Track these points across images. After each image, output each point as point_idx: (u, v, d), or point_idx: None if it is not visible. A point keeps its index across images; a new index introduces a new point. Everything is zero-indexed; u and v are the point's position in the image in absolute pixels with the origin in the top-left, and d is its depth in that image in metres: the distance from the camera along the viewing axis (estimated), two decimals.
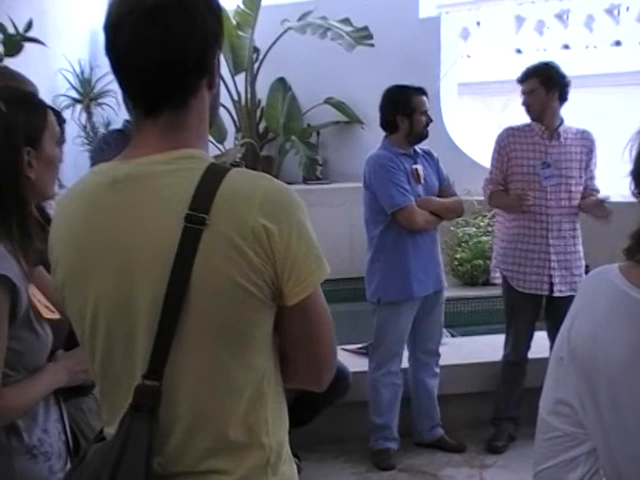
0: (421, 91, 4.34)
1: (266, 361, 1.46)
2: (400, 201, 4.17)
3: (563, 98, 4.35)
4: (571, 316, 1.23)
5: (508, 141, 4.41)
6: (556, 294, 4.32)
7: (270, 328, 1.45)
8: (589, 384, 1.15)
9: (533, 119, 4.38)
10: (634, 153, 1.17)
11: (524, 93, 4.35)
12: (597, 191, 4.42)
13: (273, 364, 1.48)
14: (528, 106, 4.35)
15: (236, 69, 8.64)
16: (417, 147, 4.37)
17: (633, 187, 1.18)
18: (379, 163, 4.27)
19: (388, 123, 4.34)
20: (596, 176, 4.44)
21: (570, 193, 4.33)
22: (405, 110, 4.26)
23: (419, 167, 4.28)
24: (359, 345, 5.03)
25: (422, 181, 4.29)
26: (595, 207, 4.28)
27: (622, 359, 1.12)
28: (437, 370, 4.52)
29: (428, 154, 4.44)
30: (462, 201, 4.43)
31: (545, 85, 4.28)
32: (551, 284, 4.34)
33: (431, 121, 4.31)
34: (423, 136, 4.31)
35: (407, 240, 4.24)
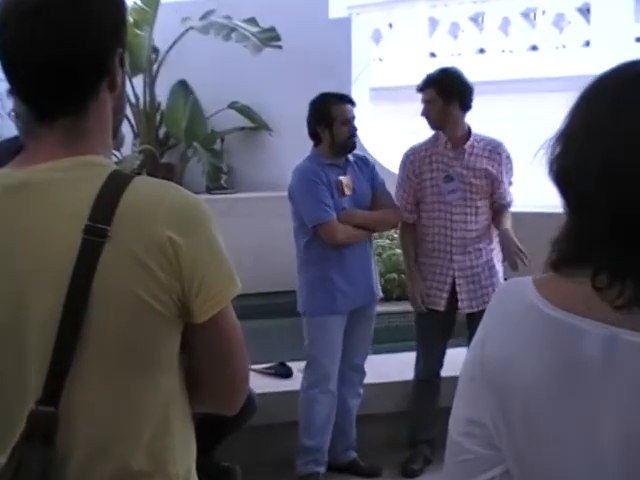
0: (344, 99, 4.37)
1: (172, 383, 1.45)
2: (319, 216, 4.21)
3: (466, 107, 4.40)
4: (482, 335, 1.22)
5: (414, 158, 4.48)
6: (465, 310, 4.42)
7: (176, 348, 1.45)
8: (503, 406, 1.16)
9: (433, 129, 4.46)
10: (552, 159, 1.19)
11: (423, 102, 4.41)
12: (506, 204, 4.48)
13: (180, 387, 1.48)
14: (427, 117, 4.42)
15: (134, 70, 8.53)
16: (350, 154, 4.40)
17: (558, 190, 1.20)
18: (301, 176, 4.30)
19: (312, 134, 4.37)
20: (508, 190, 4.47)
21: (476, 209, 4.40)
22: (324, 120, 4.28)
23: (344, 178, 4.31)
24: (266, 365, 5.03)
25: (348, 192, 4.32)
26: (509, 253, 4.33)
27: (537, 381, 1.13)
28: (360, 390, 4.56)
29: (363, 160, 4.47)
30: (397, 210, 4.46)
31: (443, 95, 4.33)
32: (453, 300, 4.43)
33: (356, 130, 4.33)
34: (348, 147, 4.33)
35: (331, 253, 4.27)
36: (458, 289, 4.40)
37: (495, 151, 4.44)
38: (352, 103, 4.39)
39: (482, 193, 4.40)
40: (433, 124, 4.42)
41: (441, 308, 4.44)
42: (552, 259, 1.18)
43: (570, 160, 1.15)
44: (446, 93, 4.32)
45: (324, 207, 4.22)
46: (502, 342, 1.18)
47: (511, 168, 4.49)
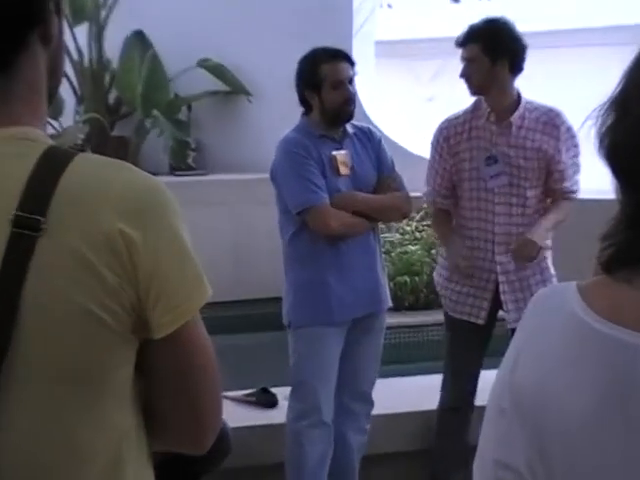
0: (338, 55, 4.35)
1: (126, 416, 1.45)
2: (306, 199, 4.19)
3: (517, 68, 4.40)
4: (513, 354, 1.22)
5: (449, 133, 4.46)
6: (512, 324, 4.40)
7: (130, 371, 1.44)
8: (540, 444, 1.16)
9: (474, 95, 4.46)
10: (602, 132, 1.19)
11: (463, 61, 4.41)
12: (565, 190, 4.47)
13: (135, 420, 1.48)
14: (468, 79, 4.42)
15: (75, 18, 8.52)
16: (349, 125, 4.39)
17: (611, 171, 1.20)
18: (285, 149, 4.29)
19: (301, 100, 4.38)
20: (569, 173, 4.42)
21: (525, 199, 4.39)
22: (311, 82, 4.28)
23: (340, 154, 4.30)
24: (245, 392, 5.03)
25: (345, 171, 4.31)
26: (521, 250, 4.34)
27: (582, 412, 1.12)
28: (367, 425, 4.53)
29: (366, 133, 4.46)
30: (409, 197, 4.45)
31: (490, 53, 4.33)
32: (495, 311, 4.43)
33: (352, 96, 4.32)
34: (341, 117, 4.30)
35: (324, 247, 4.26)
36: (503, 297, 4.40)
37: (551, 123, 4.40)
38: (349, 61, 4.37)
39: (533, 179, 4.37)
40: (475, 89, 4.41)
41: (481, 321, 4.43)
42: (602, 259, 1.17)
43: (625, 132, 1.15)
44: (494, 50, 4.32)
45: (313, 187, 4.20)
46: (536, 361, 1.18)
47: (575, 145, 4.40)
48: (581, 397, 1.12)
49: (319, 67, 4.27)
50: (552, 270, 4.48)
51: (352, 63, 4.38)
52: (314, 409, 4.31)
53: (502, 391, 1.21)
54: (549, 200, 4.47)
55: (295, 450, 4.37)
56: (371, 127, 4.60)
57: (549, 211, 4.44)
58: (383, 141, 4.52)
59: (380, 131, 4.89)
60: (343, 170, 4.30)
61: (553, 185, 4.43)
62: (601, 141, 1.17)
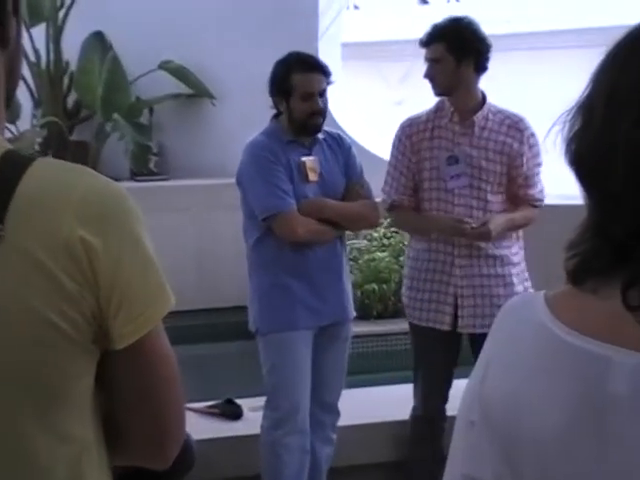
0: (311, 67, 4.33)
1: (85, 429, 1.44)
2: (273, 205, 4.20)
3: (481, 68, 4.42)
4: (482, 365, 1.22)
5: (411, 131, 4.47)
6: (466, 330, 4.42)
7: (90, 383, 1.43)
8: (509, 457, 1.15)
9: (439, 95, 4.47)
10: (569, 137, 1.19)
11: (427, 61, 4.42)
12: (539, 201, 4.48)
13: (95, 434, 1.47)
14: (432, 79, 4.43)
15: (33, 18, 8.47)
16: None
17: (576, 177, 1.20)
18: (252, 153, 4.29)
19: (273, 103, 4.38)
20: (535, 180, 4.45)
21: (486, 203, 4.40)
22: (281, 89, 4.29)
23: (309, 159, 4.31)
24: (210, 403, 5.02)
25: (314, 178, 4.31)
26: (477, 232, 4.34)
27: (554, 425, 1.12)
28: (333, 436, 4.55)
29: (336, 140, 4.47)
30: (377, 205, 4.46)
31: (455, 52, 4.35)
32: (456, 316, 4.44)
33: (320, 109, 4.29)
34: (308, 128, 4.31)
35: (289, 254, 4.27)
36: (459, 301, 4.40)
37: (515, 126, 4.43)
38: (324, 72, 4.35)
39: (495, 184, 4.39)
40: (440, 89, 4.43)
41: (445, 327, 4.44)
42: (568, 268, 1.18)
43: (590, 139, 1.15)
44: (459, 49, 4.34)
45: (280, 193, 4.21)
46: (506, 373, 1.18)
47: (538, 153, 4.44)
48: (553, 410, 1.12)
49: (290, 75, 4.27)
50: (519, 288, 4.45)
51: (327, 74, 4.35)
52: (291, 416, 4.31)
53: (471, 402, 1.22)
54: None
55: (272, 461, 4.35)
56: (341, 133, 4.61)
57: (511, 214, 4.44)
58: (353, 148, 4.53)
59: (349, 136, 4.89)
60: (312, 176, 4.31)
61: (517, 191, 4.45)
62: (567, 146, 1.18)
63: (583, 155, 1.16)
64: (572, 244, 1.17)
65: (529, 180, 4.45)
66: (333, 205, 4.34)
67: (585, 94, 1.17)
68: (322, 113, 4.32)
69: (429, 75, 4.41)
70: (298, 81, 4.26)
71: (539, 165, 4.46)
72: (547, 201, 4.57)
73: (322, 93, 4.32)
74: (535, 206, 4.50)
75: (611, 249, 1.13)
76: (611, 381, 1.09)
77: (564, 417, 1.12)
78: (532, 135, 4.44)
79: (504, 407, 1.16)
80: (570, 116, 1.18)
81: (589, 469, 1.11)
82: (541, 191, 4.49)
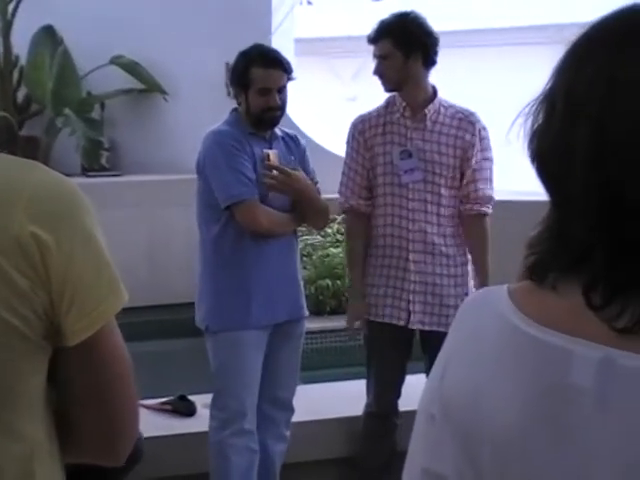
0: (272, 62, 4.30)
1: (36, 427, 1.44)
2: (238, 192, 4.18)
3: (430, 62, 4.43)
4: (443, 360, 1.22)
5: (363, 127, 4.47)
6: (416, 326, 4.44)
7: (42, 380, 1.43)
8: (469, 451, 1.16)
9: (389, 91, 4.48)
10: (531, 133, 1.19)
11: (376, 58, 4.43)
12: (487, 199, 4.50)
13: (47, 432, 1.46)
14: (382, 76, 4.44)
15: None
16: (277, 129, 4.39)
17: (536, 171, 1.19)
18: (217, 141, 4.26)
19: (233, 93, 4.38)
20: (491, 177, 4.47)
21: (439, 197, 4.41)
22: (240, 82, 4.29)
23: (273, 152, 4.30)
24: (162, 399, 5.01)
25: (275, 172, 4.31)
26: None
27: (513, 421, 1.12)
28: (287, 432, 4.54)
29: (292, 139, 4.48)
30: (327, 205, 4.45)
31: (403, 47, 4.36)
32: (409, 312, 4.45)
33: (277, 105, 4.29)
34: (263, 122, 4.29)
35: (249, 248, 4.25)
36: (411, 297, 4.41)
37: (467, 120, 4.45)
38: (284, 68, 4.32)
39: (448, 177, 4.40)
40: (390, 85, 4.44)
41: (401, 322, 4.45)
42: (529, 265, 1.18)
43: (550, 138, 1.16)
44: (406, 44, 4.35)
45: (245, 180, 4.19)
46: (467, 367, 1.19)
47: (489, 147, 4.48)
48: (514, 405, 1.12)
49: (250, 69, 4.26)
50: (470, 285, 4.50)
51: (288, 70, 4.34)
52: (237, 416, 4.30)
53: (432, 398, 1.21)
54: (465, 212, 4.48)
55: (220, 462, 4.34)
56: (297, 134, 4.61)
57: (477, 255, 4.49)
58: (308, 150, 4.54)
59: (303, 134, 4.90)
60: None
61: (468, 188, 4.44)
62: (529, 142, 1.18)
63: (544, 155, 1.16)
64: (532, 242, 1.18)
65: (479, 174, 4.46)
66: (307, 183, 4.33)
67: (547, 87, 1.17)
68: (280, 108, 4.31)
69: (378, 72, 4.43)
70: (257, 76, 4.25)
71: (489, 160, 4.47)
72: (507, 197, 4.58)
73: (281, 89, 4.31)
74: (485, 213, 4.50)
75: (570, 249, 1.13)
76: (574, 374, 1.09)
77: (525, 411, 1.12)
78: (483, 128, 4.46)
79: (465, 402, 1.16)
80: (534, 108, 1.18)
81: (549, 463, 1.11)
82: (491, 188, 4.49)
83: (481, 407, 1.15)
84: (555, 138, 1.15)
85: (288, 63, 4.38)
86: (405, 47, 4.34)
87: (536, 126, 1.17)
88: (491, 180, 4.49)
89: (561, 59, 1.17)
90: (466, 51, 9.95)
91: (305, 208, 4.36)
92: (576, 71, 1.14)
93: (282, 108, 4.33)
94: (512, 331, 1.14)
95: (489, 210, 4.50)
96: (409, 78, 4.40)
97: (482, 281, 4.45)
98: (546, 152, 1.16)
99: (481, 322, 1.20)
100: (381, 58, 4.40)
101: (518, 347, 1.14)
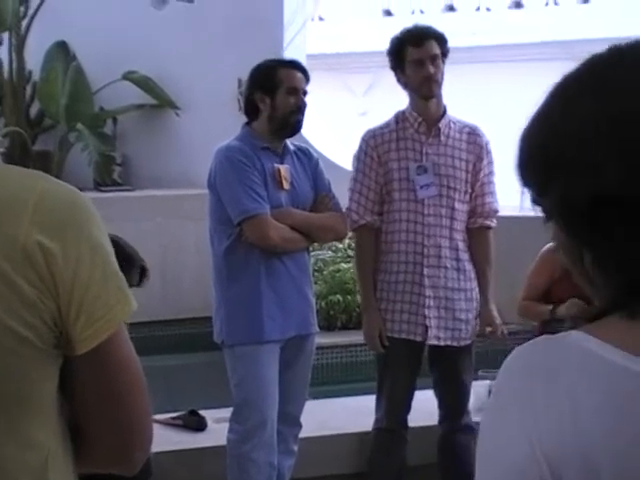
0: (293, 64, 4.45)
1: (50, 436, 1.44)
2: (249, 207, 4.20)
3: None
4: (515, 424, 1.08)
5: (376, 142, 4.44)
6: (431, 341, 4.43)
7: (54, 388, 1.44)
8: None
9: (430, 98, 4.37)
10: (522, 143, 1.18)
11: (427, 59, 4.32)
12: (493, 212, 4.52)
13: (61, 439, 1.47)
14: (429, 78, 4.32)
15: None
16: (289, 142, 4.41)
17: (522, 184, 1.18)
18: (228, 157, 4.28)
19: (248, 104, 4.39)
20: (493, 192, 4.50)
21: (453, 211, 4.41)
22: (267, 85, 4.30)
23: (284, 167, 4.32)
24: (173, 414, 5.01)
25: (287, 186, 4.32)
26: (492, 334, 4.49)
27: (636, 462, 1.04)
28: (295, 447, 4.53)
29: (305, 153, 4.49)
30: (345, 218, 4.46)
31: (444, 51, 4.36)
32: (426, 327, 4.43)
33: (304, 107, 4.34)
34: (290, 124, 4.33)
35: (260, 261, 4.26)
36: (427, 312, 4.38)
37: (474, 133, 4.47)
38: (305, 73, 4.42)
39: (462, 191, 4.40)
40: (434, 91, 4.38)
41: (418, 338, 4.42)
42: (594, 313, 1.12)
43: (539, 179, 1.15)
44: (446, 50, 4.36)
45: (255, 196, 4.21)
46: (574, 423, 1.05)
47: (492, 161, 4.49)
48: (635, 445, 1.04)
49: (277, 71, 4.32)
50: (475, 302, 4.50)
51: (307, 77, 4.42)
52: (258, 430, 4.28)
53: (525, 468, 1.06)
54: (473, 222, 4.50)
55: (239, 475, 4.31)
56: (309, 148, 4.63)
57: (481, 268, 4.51)
58: (320, 162, 4.55)
59: (315, 149, 4.91)
60: (285, 184, 4.32)
61: (475, 202, 4.46)
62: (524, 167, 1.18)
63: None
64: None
65: (487, 187, 4.48)
66: (302, 214, 4.36)
67: (544, 106, 1.17)
68: (304, 111, 4.37)
69: (430, 76, 4.31)
70: (285, 76, 4.31)
71: (494, 174, 4.50)
72: (514, 213, 4.60)
73: (305, 93, 4.37)
74: (489, 226, 4.53)
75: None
76: None
77: None
78: (487, 143, 4.49)
79: (585, 459, 1.04)
80: (530, 127, 1.17)
81: None
82: (496, 200, 4.52)
83: (605, 459, 1.04)
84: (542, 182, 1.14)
85: (307, 71, 4.46)
86: (445, 52, 4.36)
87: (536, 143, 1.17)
88: (496, 193, 4.50)
89: (549, 94, 1.16)
90: (469, 67, 9.98)
91: (311, 232, 4.39)
92: (560, 118, 1.13)
93: (304, 113, 4.37)
94: (622, 373, 1.05)
95: (493, 223, 4.52)
96: (441, 87, 4.40)
97: (485, 294, 4.47)
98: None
99: (565, 366, 1.07)
100: (433, 58, 4.33)
101: (627, 385, 1.05)
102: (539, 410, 1.07)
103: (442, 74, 4.36)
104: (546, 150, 1.13)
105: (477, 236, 4.51)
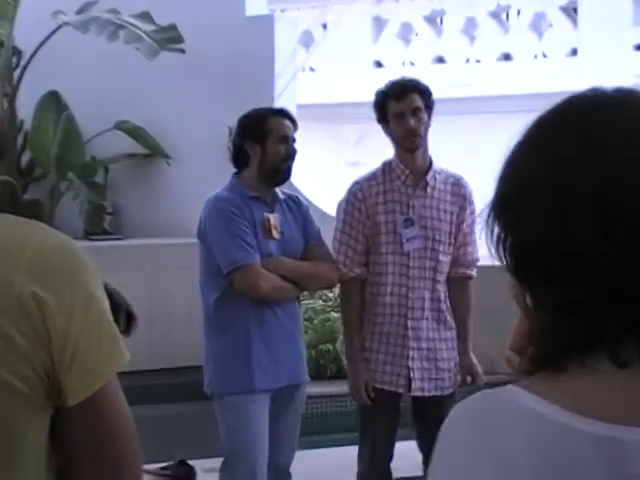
0: (282, 113, 4.49)
1: None
2: (239, 257, 4.20)
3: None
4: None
5: (364, 195, 4.42)
6: (415, 393, 4.42)
7: (44, 439, 1.43)
8: None
9: (414, 151, 4.37)
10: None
11: (410, 112, 4.31)
12: (474, 262, 4.52)
13: None
14: (412, 132, 4.32)
15: None
16: (279, 191, 4.42)
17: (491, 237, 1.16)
18: (217, 207, 4.30)
19: (237, 154, 4.41)
20: (476, 241, 4.46)
21: (437, 263, 4.41)
22: (255, 134, 4.33)
23: (273, 216, 4.33)
24: (162, 464, 4.99)
25: (277, 235, 4.33)
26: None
27: None
28: None
29: (294, 201, 4.50)
30: (335, 267, 4.45)
31: (428, 106, 4.37)
32: (409, 379, 4.41)
33: (294, 154, 4.37)
34: (280, 172, 4.35)
35: (250, 312, 4.25)
36: (411, 364, 4.38)
37: (458, 184, 4.47)
38: (293, 121, 4.46)
39: (446, 244, 4.40)
40: (421, 141, 4.38)
41: (401, 389, 4.42)
42: (539, 359, 1.09)
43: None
44: (429, 103, 4.37)
45: (245, 246, 4.21)
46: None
47: (475, 211, 4.48)
48: None
49: (266, 119, 4.36)
50: (452, 343, 4.49)
51: (295, 124, 4.47)
52: (248, 478, 4.25)
53: None
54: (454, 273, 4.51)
55: None
56: (299, 196, 4.65)
57: (462, 317, 4.52)
58: (310, 211, 4.56)
59: (305, 198, 4.92)
60: (275, 233, 4.33)
61: (457, 252, 4.47)
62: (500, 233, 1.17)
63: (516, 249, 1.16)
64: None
65: (469, 237, 4.48)
66: (292, 263, 4.36)
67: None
68: (294, 158, 4.39)
69: (412, 131, 4.30)
70: (274, 125, 4.34)
71: (475, 224, 4.47)
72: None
73: (294, 140, 4.42)
74: (470, 277, 4.54)
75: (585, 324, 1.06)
76: (628, 462, 1.00)
77: None
78: (471, 193, 4.49)
79: None
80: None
81: None
82: (477, 250, 4.48)
83: None
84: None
85: (295, 119, 4.51)
86: (429, 106, 4.36)
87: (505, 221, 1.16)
88: (476, 243, 4.50)
89: (513, 150, 1.21)
90: (469, 117, 10.04)
91: (301, 281, 4.40)
92: (522, 174, 1.17)
93: (294, 160, 4.39)
94: (565, 433, 1.02)
95: (474, 273, 4.53)
96: (426, 139, 4.41)
97: (465, 344, 4.48)
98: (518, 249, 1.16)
99: (507, 432, 1.04)
100: (416, 111, 4.31)
101: (571, 447, 1.02)
102: (476, 465, 1.05)
103: (426, 127, 4.36)
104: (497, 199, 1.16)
105: (458, 285, 4.51)
